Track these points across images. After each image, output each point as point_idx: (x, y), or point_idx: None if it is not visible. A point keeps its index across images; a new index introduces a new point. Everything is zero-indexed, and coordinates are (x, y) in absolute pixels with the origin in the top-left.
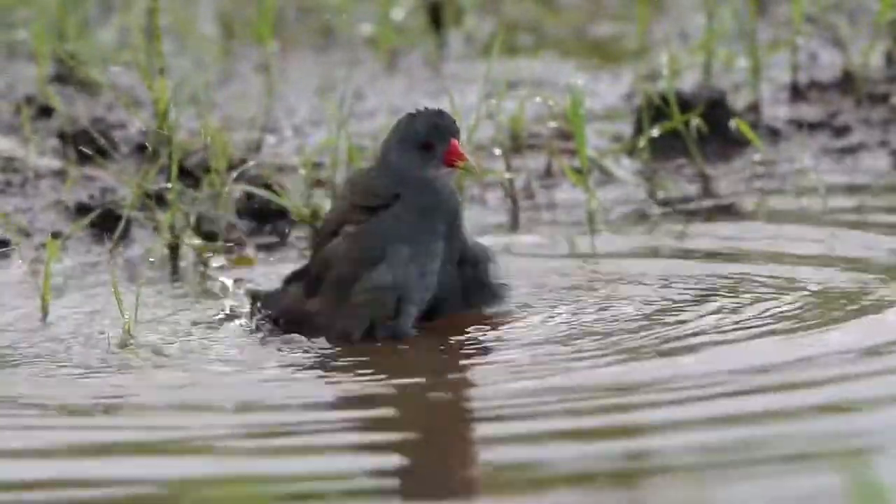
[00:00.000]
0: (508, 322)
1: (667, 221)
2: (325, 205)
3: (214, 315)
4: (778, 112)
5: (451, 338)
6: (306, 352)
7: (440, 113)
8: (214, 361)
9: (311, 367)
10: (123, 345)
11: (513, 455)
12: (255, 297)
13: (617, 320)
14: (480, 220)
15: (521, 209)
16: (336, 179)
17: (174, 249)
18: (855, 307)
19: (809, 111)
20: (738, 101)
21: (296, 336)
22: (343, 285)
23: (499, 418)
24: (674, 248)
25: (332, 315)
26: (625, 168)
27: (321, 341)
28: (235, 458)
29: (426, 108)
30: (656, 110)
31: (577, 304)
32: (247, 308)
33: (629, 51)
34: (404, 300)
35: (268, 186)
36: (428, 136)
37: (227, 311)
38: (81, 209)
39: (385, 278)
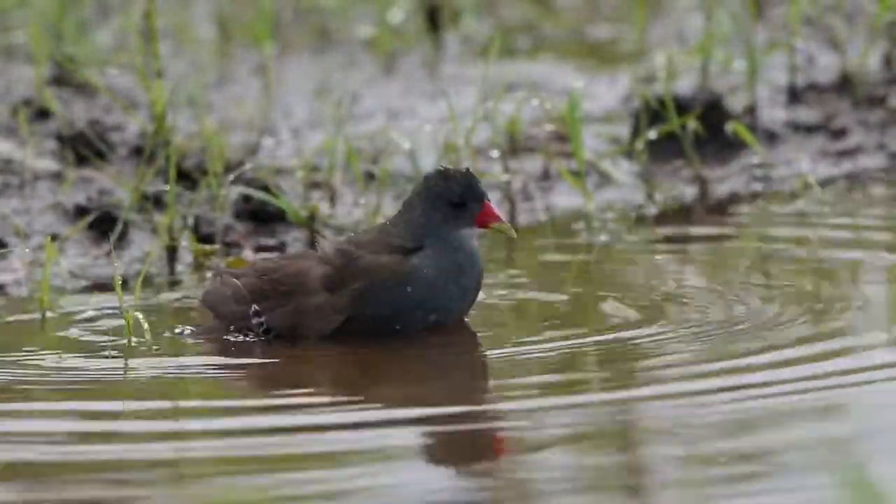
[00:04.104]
0: (506, 318)
1: (664, 223)
2: (323, 207)
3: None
4: (775, 114)
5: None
6: (301, 350)
7: (471, 174)
8: (212, 362)
9: (310, 367)
10: (122, 346)
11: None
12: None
13: (614, 320)
14: None
15: (519, 211)
16: (333, 181)
17: (172, 251)
18: (849, 309)
19: (807, 113)
20: (736, 104)
21: (289, 335)
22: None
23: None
24: (670, 250)
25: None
26: (622, 170)
27: (314, 341)
28: (233, 456)
29: (455, 168)
30: (654, 113)
31: (575, 305)
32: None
33: (627, 53)
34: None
35: (265, 188)
36: (462, 196)
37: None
38: (79, 211)
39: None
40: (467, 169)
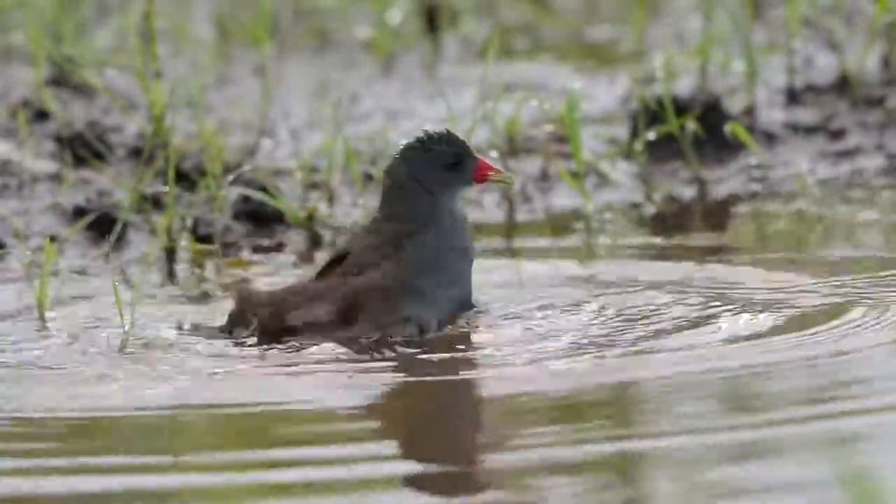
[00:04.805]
0: (506, 327)
1: (662, 224)
2: (321, 207)
3: (211, 317)
4: (774, 115)
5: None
6: (306, 354)
7: (454, 133)
8: (210, 364)
9: (311, 371)
10: (120, 348)
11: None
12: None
13: (612, 322)
14: (477, 223)
15: (518, 212)
16: (332, 182)
17: (170, 252)
18: (847, 308)
19: (805, 114)
20: (734, 105)
21: (292, 339)
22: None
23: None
24: (669, 251)
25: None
26: (621, 171)
27: (320, 345)
28: (232, 461)
29: (434, 131)
30: (652, 114)
31: (574, 307)
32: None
33: (625, 54)
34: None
35: (264, 189)
36: (455, 156)
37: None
38: (78, 212)
39: (412, 312)
40: (447, 130)
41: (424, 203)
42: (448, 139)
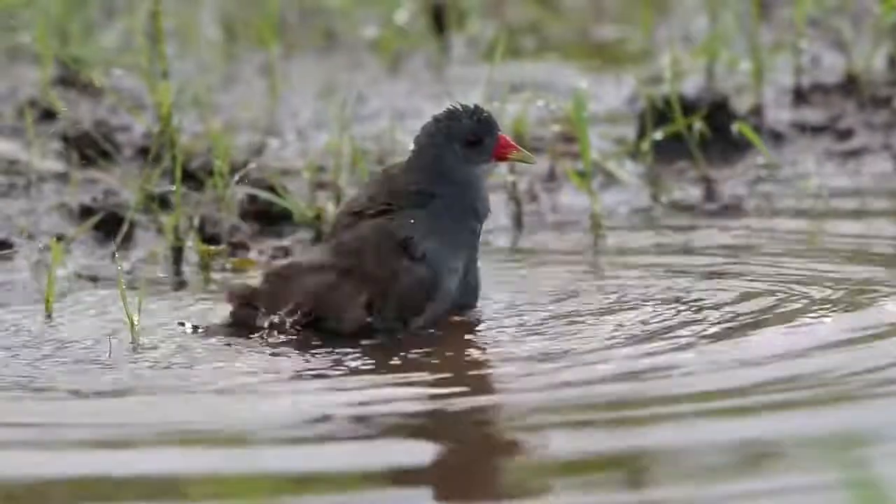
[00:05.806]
0: (512, 326)
1: (669, 224)
2: (329, 207)
3: (217, 317)
4: (781, 115)
5: (462, 341)
6: (314, 355)
7: (481, 108)
8: (215, 364)
9: (320, 371)
10: (126, 348)
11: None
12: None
13: (620, 324)
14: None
15: (525, 212)
16: (339, 182)
17: (177, 252)
18: (853, 305)
19: (812, 114)
20: (741, 105)
21: (304, 337)
22: (378, 282)
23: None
24: (676, 250)
25: (368, 312)
26: (628, 171)
27: (329, 343)
28: (238, 461)
29: (465, 105)
30: (659, 113)
31: (579, 307)
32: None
33: (632, 54)
34: (433, 298)
35: (271, 189)
36: (476, 132)
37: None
38: (85, 212)
39: (420, 275)
40: (476, 105)
41: (436, 176)
42: (473, 114)
